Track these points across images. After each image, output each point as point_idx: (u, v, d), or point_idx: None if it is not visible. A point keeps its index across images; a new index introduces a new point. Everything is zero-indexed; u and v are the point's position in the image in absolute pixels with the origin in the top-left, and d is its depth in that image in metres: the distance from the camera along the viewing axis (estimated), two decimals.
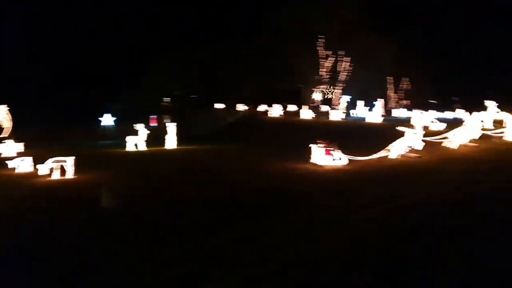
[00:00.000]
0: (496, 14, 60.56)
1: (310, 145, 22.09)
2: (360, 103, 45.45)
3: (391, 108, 53.87)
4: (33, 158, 21.17)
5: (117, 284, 8.42)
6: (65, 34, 60.16)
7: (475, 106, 33.85)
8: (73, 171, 19.82)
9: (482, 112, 29.97)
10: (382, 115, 40.36)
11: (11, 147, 26.29)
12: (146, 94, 57.58)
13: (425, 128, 27.95)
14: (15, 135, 28.77)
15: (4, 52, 50.67)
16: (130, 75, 59.88)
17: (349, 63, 52.65)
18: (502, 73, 55.43)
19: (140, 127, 30.46)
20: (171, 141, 31.24)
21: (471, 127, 22.25)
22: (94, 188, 15.92)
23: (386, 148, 21.84)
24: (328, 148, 21.47)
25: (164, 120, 40.71)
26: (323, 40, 51.30)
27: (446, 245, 9.28)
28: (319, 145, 21.78)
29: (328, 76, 53.56)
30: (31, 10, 57.26)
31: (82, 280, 8.65)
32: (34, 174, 19.86)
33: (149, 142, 30.75)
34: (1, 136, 29.48)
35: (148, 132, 30.30)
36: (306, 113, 43.05)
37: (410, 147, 21.82)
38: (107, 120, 37.07)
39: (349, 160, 21.46)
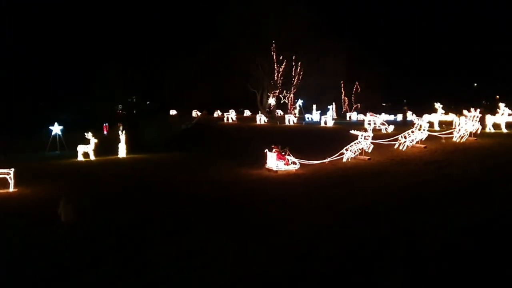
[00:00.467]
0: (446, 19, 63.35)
1: (265, 150, 21.97)
2: (314, 107, 45.93)
3: (344, 111, 54.87)
4: None
5: None
6: (13, 43, 57.98)
7: (424, 108, 34.96)
8: (13, 184, 18.74)
9: (431, 114, 30.94)
10: (334, 119, 40.88)
11: None
12: (97, 102, 55.80)
13: (376, 130, 28.58)
14: None
15: None
16: (80, 83, 58.11)
17: (302, 68, 53.08)
18: (450, 77, 57.95)
19: (90, 136, 29.35)
20: (122, 150, 30.36)
21: (420, 129, 22.76)
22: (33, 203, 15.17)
23: (340, 151, 22.03)
24: (280, 153, 21.40)
25: (119, 128, 39.65)
26: (277, 45, 51.48)
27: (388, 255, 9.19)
28: (273, 150, 21.67)
29: (281, 81, 53.76)
30: None
31: None
32: None
33: (101, 150, 29.86)
34: None
35: (96, 141, 29.21)
36: (261, 118, 43.00)
37: (361, 149, 22.10)
38: (56, 129, 35.50)
39: (303, 164, 21.50)
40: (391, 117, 41.96)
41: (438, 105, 32.10)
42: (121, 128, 39.05)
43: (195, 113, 53.66)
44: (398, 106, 47.75)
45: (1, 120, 46.23)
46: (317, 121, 41.25)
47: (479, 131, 24.27)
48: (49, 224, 13.20)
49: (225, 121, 46.00)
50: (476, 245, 8.89)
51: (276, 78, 53.17)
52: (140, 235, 12.16)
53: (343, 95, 58.56)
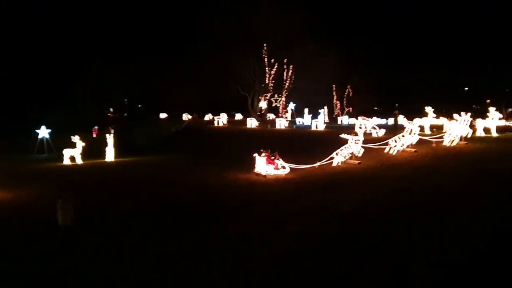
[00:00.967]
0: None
1: (254, 155, 21.66)
2: (306, 111, 45.68)
3: (336, 115, 54.69)
4: None
5: None
6: None
7: (415, 112, 34.89)
8: None
9: (422, 118, 30.84)
10: (325, 122, 40.68)
11: None
12: (87, 105, 55.27)
13: (367, 134, 28.35)
14: None
15: None
16: (69, 86, 57.55)
17: (294, 71, 52.90)
18: (442, 81, 58.06)
19: (77, 139, 28.87)
20: (110, 153, 29.89)
21: (410, 133, 22.57)
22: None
23: (330, 156, 21.78)
24: (269, 157, 21.08)
25: (111, 131, 39.25)
26: (268, 48, 51.29)
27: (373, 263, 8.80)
28: (262, 154, 21.36)
29: (272, 84, 53.55)
30: None
31: None
32: None
33: (89, 154, 29.42)
34: None
35: (83, 144, 28.74)
36: (252, 122, 42.70)
37: (352, 153, 21.84)
38: (44, 132, 34.99)
39: (293, 168, 21.21)
40: (383, 121, 41.82)
41: (429, 109, 32.03)
42: (112, 131, 38.62)
43: (185, 116, 53.18)
44: (390, 110, 47.67)
45: None
46: (308, 125, 41.00)
47: (469, 135, 24.14)
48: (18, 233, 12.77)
49: (216, 124, 45.62)
50: (468, 256, 8.52)
51: (267, 81, 52.94)
52: (115, 244, 11.75)
53: (335, 98, 58.40)
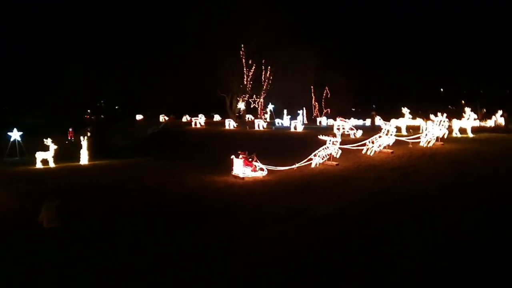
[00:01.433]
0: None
1: (232, 157, 21.36)
2: (285, 112, 45.62)
3: (315, 116, 54.82)
4: None
5: None
6: None
7: (392, 113, 35.14)
8: None
9: (399, 119, 31.02)
10: (304, 124, 40.65)
11: None
12: (62, 106, 54.07)
13: (344, 135, 28.34)
14: None
15: None
16: (44, 88, 56.29)
17: (272, 72, 52.82)
18: (417, 82, 58.80)
19: (49, 142, 28.05)
20: (84, 156, 29.19)
21: (387, 134, 22.59)
22: None
23: (308, 157, 21.64)
24: (247, 159, 20.80)
25: (87, 133, 38.54)
26: (246, 49, 51.07)
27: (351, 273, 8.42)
28: (240, 156, 21.07)
29: (250, 85, 53.33)
30: None
31: None
32: None
33: (64, 157, 28.61)
34: None
35: (55, 147, 27.94)
36: (230, 123, 42.37)
37: (330, 155, 21.74)
38: (15, 135, 33.91)
39: (271, 170, 20.97)
40: (360, 122, 42.03)
41: (405, 110, 32.28)
42: (88, 133, 37.86)
43: (162, 117, 52.53)
44: (368, 111, 47.98)
45: None
46: (287, 126, 40.90)
47: (445, 136, 24.32)
48: None
49: (193, 126, 45.12)
50: (447, 263, 8.30)
51: (245, 82, 52.69)
52: (80, 253, 11.25)
53: (313, 100, 58.56)
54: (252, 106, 54.88)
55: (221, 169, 22.08)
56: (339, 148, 21.85)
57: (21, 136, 33.68)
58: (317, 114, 57.38)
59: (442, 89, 65.74)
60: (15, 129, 33.67)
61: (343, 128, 29.72)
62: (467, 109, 28.75)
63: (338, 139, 22.37)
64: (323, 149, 21.80)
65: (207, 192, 18.02)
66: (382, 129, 23.41)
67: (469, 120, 28.36)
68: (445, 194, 13.57)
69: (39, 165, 27.47)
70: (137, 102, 55.65)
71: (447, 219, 10.74)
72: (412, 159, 20.40)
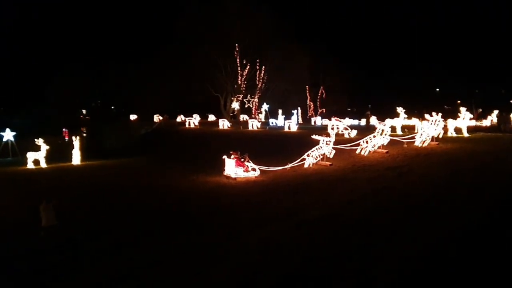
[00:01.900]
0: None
1: (223, 157, 21.02)
2: (279, 112, 45.31)
3: (310, 116, 54.51)
4: None
5: None
6: None
7: (388, 113, 34.90)
8: None
9: (394, 119, 30.77)
10: (298, 123, 40.35)
11: None
12: (57, 107, 53.49)
13: (339, 135, 28.05)
14: None
15: None
16: (37, 88, 55.71)
17: (267, 72, 52.49)
18: (413, 82, 58.68)
19: (41, 142, 27.67)
20: (77, 156, 28.83)
21: (381, 134, 22.32)
22: None
23: (302, 157, 21.33)
24: (239, 159, 20.47)
25: (83, 132, 38.25)
26: (240, 48, 50.72)
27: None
28: (232, 156, 20.74)
29: (245, 85, 52.98)
30: None
31: None
32: None
33: (57, 157, 28.32)
34: None
35: (47, 148, 27.55)
36: (224, 123, 42.02)
37: (323, 155, 21.44)
38: (8, 135, 33.46)
39: (263, 170, 20.64)
40: (355, 122, 41.78)
41: (400, 110, 32.06)
42: (84, 133, 37.52)
43: (156, 117, 52.11)
44: (364, 111, 47.74)
45: None
46: (281, 126, 40.59)
47: (441, 136, 24.08)
48: None
49: (187, 126, 44.73)
50: (437, 266, 7.93)
51: (239, 82, 52.34)
52: (66, 255, 10.93)
53: (308, 99, 58.27)
54: (246, 106, 54.52)
55: (214, 170, 21.74)
56: (333, 148, 21.55)
57: (14, 136, 33.26)
58: (312, 113, 57.07)
59: (438, 89, 65.63)
60: (7, 129, 33.24)
61: (337, 128, 29.43)
62: (463, 109, 28.54)
63: (332, 139, 22.09)
64: (317, 149, 21.50)
65: (197, 193, 17.68)
66: (376, 128, 23.13)
67: (464, 120, 28.15)
68: (439, 194, 13.26)
69: (30, 165, 27.12)
70: (132, 102, 55.11)
71: (440, 222, 10.37)
72: (406, 159, 20.12)
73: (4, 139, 32.85)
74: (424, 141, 23.20)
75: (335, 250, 9.05)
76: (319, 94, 58.64)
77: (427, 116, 24.74)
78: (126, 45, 59.19)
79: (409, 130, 28.97)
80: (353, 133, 29.05)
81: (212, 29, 47.92)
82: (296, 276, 8.13)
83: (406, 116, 32.20)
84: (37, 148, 27.59)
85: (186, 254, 10.14)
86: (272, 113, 48.91)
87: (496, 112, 35.19)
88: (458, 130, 27.53)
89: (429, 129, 23.44)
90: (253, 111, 53.51)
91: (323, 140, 21.55)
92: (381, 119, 30.18)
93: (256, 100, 53.99)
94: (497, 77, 57.15)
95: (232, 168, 20.41)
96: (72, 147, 29.06)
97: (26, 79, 60.05)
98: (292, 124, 37.55)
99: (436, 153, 20.65)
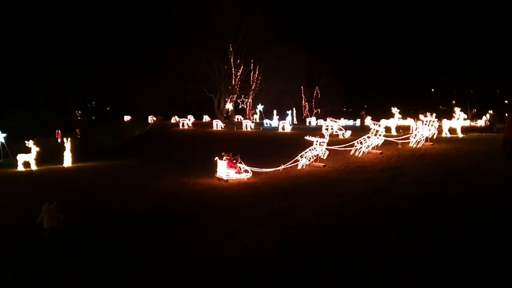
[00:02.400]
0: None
1: (215, 158, 20.72)
2: (274, 112, 45.01)
3: (305, 117, 54.21)
4: None
5: None
6: None
7: (383, 113, 34.68)
8: None
9: (389, 119, 30.51)
10: (293, 124, 40.06)
11: None
12: (50, 108, 53.00)
13: (333, 136, 27.79)
14: None
15: None
16: (28, 88, 55.21)
17: (261, 73, 52.17)
18: (408, 83, 58.59)
19: (31, 144, 27.28)
20: (68, 158, 28.45)
21: (376, 134, 22.05)
22: None
23: (295, 158, 21.03)
24: (231, 161, 20.15)
25: (78, 134, 37.92)
26: (234, 49, 50.37)
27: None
28: (223, 157, 20.44)
29: (239, 86, 52.63)
30: None
31: None
32: None
33: (49, 159, 28.35)
34: None
35: (37, 149, 27.17)
36: (218, 124, 41.69)
37: (317, 156, 21.15)
38: None
39: (256, 172, 20.34)
40: (350, 122, 41.53)
41: (395, 110, 31.86)
42: (78, 135, 37.19)
43: (151, 118, 51.76)
44: (358, 111, 47.53)
45: None
46: (275, 127, 40.30)
47: (435, 136, 23.84)
48: None
49: (181, 127, 44.38)
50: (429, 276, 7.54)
51: (233, 82, 52.01)
52: (50, 260, 10.62)
53: (303, 100, 57.98)
54: (240, 107, 54.20)
55: (206, 171, 21.49)
56: (327, 148, 21.25)
57: (5, 138, 32.80)
58: (307, 114, 56.77)
59: (433, 89, 65.60)
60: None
61: (332, 128, 29.20)
62: (457, 109, 28.33)
63: (326, 139, 21.82)
64: (310, 150, 21.21)
65: (187, 196, 17.37)
66: (371, 129, 22.86)
67: (459, 120, 27.94)
68: (433, 196, 12.93)
69: (20, 167, 26.75)
70: (127, 103, 54.75)
71: (432, 226, 9.98)
72: (401, 159, 19.83)
73: None
74: (419, 142, 22.95)
75: (320, 258, 8.52)
76: (314, 94, 58.34)
77: (421, 116, 24.52)
78: (119, 46, 58.88)
79: (404, 130, 28.73)
80: (348, 133, 28.81)
81: (205, 29, 47.56)
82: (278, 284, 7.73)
83: (401, 116, 32.00)
84: (28, 150, 27.21)
85: (166, 261, 9.78)
86: (267, 114, 48.61)
87: (490, 112, 35.04)
88: (452, 130, 27.31)
89: (423, 129, 23.21)
90: (247, 112, 53.19)
91: (317, 141, 21.27)
92: (377, 119, 29.94)
93: (250, 100, 53.67)
94: (492, 77, 57.08)
95: (224, 170, 20.12)
96: (64, 149, 28.72)
97: (17, 79, 59.60)
98: (286, 125, 37.26)
99: (430, 154, 20.37)
